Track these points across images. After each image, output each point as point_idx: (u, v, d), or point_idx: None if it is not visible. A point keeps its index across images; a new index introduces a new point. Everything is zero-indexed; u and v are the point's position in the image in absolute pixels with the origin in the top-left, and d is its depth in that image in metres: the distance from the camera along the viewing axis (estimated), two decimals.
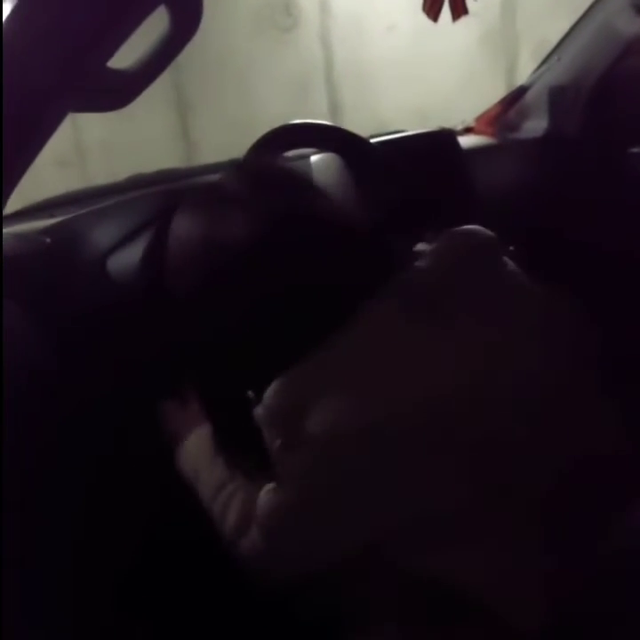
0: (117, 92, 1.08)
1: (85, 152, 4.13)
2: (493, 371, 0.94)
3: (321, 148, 1.67)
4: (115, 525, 1.25)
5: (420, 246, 1.07)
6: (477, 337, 0.96)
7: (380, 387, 0.92)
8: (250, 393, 1.13)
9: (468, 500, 0.91)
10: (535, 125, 1.99)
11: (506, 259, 1.06)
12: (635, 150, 1.79)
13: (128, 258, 1.43)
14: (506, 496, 0.92)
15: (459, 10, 1.36)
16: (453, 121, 2.26)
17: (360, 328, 0.95)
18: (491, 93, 2.23)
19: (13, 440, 1.04)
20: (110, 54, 0.95)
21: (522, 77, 2.20)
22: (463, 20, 1.42)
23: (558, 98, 1.91)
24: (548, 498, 0.93)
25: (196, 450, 1.26)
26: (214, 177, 1.59)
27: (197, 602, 1.37)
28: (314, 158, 1.71)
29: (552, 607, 0.92)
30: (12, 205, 1.03)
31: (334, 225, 1.02)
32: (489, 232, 1.07)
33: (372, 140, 1.70)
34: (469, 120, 2.20)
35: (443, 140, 1.87)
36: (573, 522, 0.94)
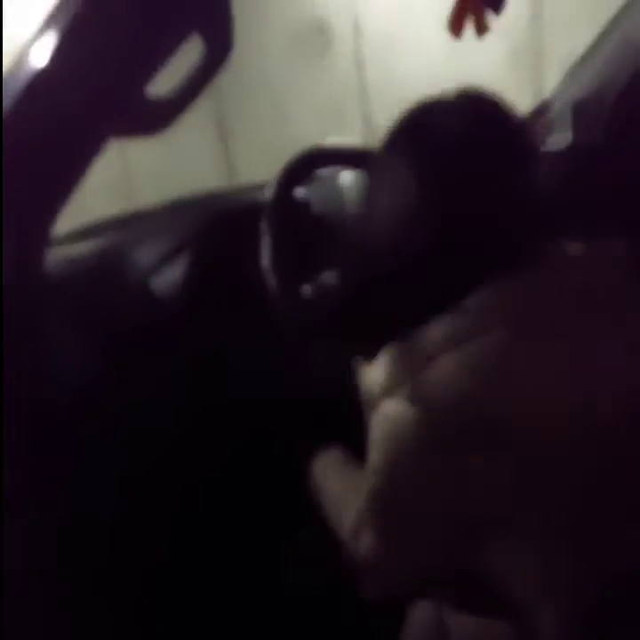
0: (155, 118, 1.12)
1: (132, 178, 4.20)
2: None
3: (349, 168, 1.69)
4: (150, 544, 1.31)
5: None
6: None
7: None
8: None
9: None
10: (559, 139, 1.98)
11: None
12: None
13: (170, 278, 1.48)
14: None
15: (481, 26, 1.39)
16: None
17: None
18: (521, 109, 2.24)
19: (58, 458, 1.10)
20: (148, 82, 1.01)
21: (550, 90, 2.21)
22: (493, 37, 1.44)
23: (582, 111, 1.91)
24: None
25: (323, 464, 1.29)
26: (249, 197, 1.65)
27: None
28: (343, 177, 1.75)
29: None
30: (61, 230, 1.08)
31: None
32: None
33: None
34: None
35: None
36: None
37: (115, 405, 1.29)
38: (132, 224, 1.72)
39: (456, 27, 1.38)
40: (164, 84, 1.06)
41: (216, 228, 1.59)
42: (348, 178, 1.75)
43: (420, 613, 1.09)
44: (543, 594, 0.93)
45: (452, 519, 0.96)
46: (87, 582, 1.18)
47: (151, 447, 1.32)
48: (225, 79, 1.15)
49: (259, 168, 1.84)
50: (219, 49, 1.07)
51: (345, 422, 1.37)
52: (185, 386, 1.42)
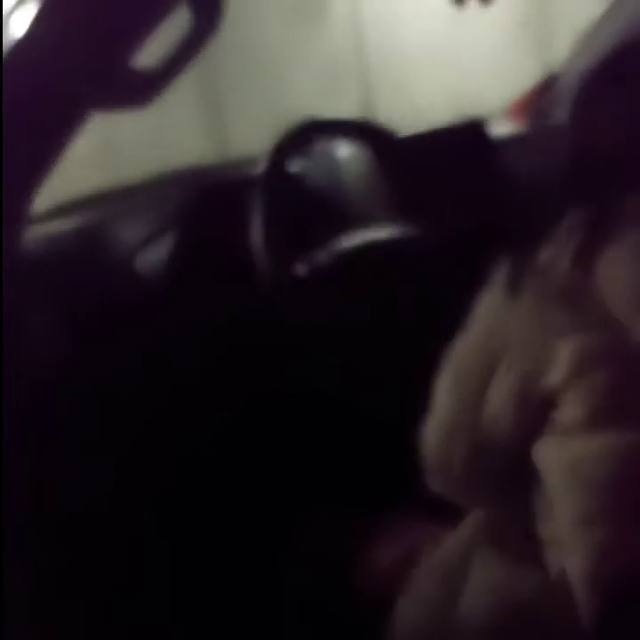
0: (141, 90, 1.09)
1: (116, 152, 4.12)
2: None
3: (347, 140, 1.67)
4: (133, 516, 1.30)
5: None
6: None
7: None
8: None
9: None
10: (566, 111, 1.95)
11: None
12: None
13: (155, 256, 1.45)
14: None
15: None
16: (488, 107, 2.22)
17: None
18: (526, 79, 2.20)
19: (41, 438, 1.08)
20: (133, 52, 0.98)
21: (558, 62, 2.16)
22: (499, 4, 1.40)
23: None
24: None
25: None
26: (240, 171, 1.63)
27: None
28: (340, 153, 1.71)
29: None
30: (41, 205, 1.05)
31: None
32: None
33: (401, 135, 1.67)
34: (503, 106, 2.17)
35: (472, 131, 1.80)
36: None
37: (99, 387, 1.29)
38: (116, 200, 1.70)
39: None
40: (150, 54, 1.02)
41: (204, 204, 1.56)
42: (345, 150, 1.72)
43: (445, 550, 1.03)
44: (577, 523, 0.82)
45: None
46: (78, 570, 1.18)
47: (137, 428, 1.31)
48: (215, 45, 1.12)
49: (252, 140, 1.82)
50: (207, 18, 1.04)
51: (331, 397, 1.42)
52: (170, 366, 1.40)
